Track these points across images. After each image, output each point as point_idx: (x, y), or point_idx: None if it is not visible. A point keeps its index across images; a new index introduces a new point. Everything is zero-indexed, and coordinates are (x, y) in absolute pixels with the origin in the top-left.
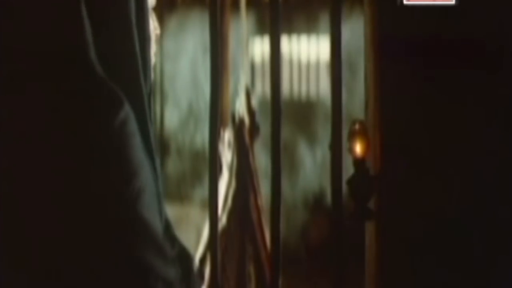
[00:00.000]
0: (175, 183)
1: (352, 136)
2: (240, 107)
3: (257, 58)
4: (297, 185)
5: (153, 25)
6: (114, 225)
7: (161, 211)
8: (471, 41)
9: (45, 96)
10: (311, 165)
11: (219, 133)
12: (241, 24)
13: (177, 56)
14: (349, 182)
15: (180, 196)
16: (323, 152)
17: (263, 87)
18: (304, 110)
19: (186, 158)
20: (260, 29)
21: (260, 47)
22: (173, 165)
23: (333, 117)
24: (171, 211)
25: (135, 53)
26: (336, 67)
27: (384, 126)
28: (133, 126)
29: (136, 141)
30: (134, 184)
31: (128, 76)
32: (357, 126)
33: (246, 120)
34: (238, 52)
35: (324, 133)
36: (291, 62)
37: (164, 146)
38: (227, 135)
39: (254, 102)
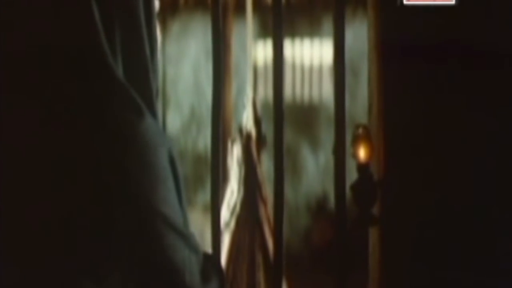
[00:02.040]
0: None
1: (355, 140)
2: (248, 121)
3: (260, 62)
4: (299, 189)
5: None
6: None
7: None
8: (476, 43)
9: (66, 97)
10: (314, 169)
11: (225, 144)
12: (244, 29)
13: (179, 60)
14: (353, 187)
15: None
16: (326, 156)
17: (265, 90)
18: (306, 114)
19: (189, 162)
20: (263, 33)
21: (263, 51)
22: None
23: (336, 121)
24: None
25: (146, 56)
26: (340, 72)
27: (388, 131)
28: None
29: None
30: (160, 191)
31: (139, 80)
32: (360, 131)
33: (253, 133)
34: (241, 57)
35: (327, 137)
36: (293, 65)
37: None
38: (236, 151)
39: (259, 110)
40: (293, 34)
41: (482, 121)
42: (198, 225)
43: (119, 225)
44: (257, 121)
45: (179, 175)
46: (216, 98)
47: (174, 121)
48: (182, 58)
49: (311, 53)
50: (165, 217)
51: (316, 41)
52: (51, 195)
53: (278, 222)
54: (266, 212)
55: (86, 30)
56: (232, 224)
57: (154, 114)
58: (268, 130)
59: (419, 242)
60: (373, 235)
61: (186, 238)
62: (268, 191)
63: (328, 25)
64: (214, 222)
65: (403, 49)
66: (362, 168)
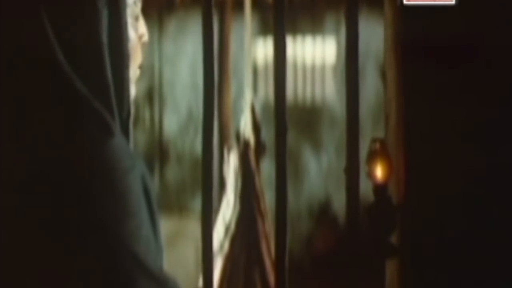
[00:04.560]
0: (175, 191)
1: (371, 157)
2: (246, 127)
3: (260, 60)
4: (301, 193)
5: (140, 31)
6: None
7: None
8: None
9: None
10: (316, 172)
11: (222, 150)
12: (244, 28)
13: (176, 59)
14: (368, 212)
15: (179, 205)
16: (328, 158)
17: (266, 91)
18: (308, 114)
19: (186, 165)
20: (263, 31)
21: (263, 49)
22: (172, 173)
23: (348, 135)
24: (170, 222)
25: (106, 78)
26: (353, 74)
27: (408, 145)
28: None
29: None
30: (133, 221)
31: (96, 94)
32: (377, 146)
33: (252, 140)
34: (240, 56)
35: (329, 139)
36: (295, 64)
37: (163, 153)
38: (232, 159)
39: (259, 115)
40: (294, 32)
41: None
42: (195, 233)
43: (81, 264)
44: (256, 127)
45: (154, 206)
46: (208, 103)
47: (171, 122)
48: (179, 58)
49: (313, 52)
50: (136, 257)
51: (319, 40)
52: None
53: (281, 231)
54: (264, 227)
55: (38, 39)
56: (227, 241)
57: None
58: (269, 132)
59: (442, 276)
60: (390, 268)
61: (163, 283)
62: (268, 199)
63: (330, 22)
64: (205, 236)
65: (426, 51)
66: (379, 189)
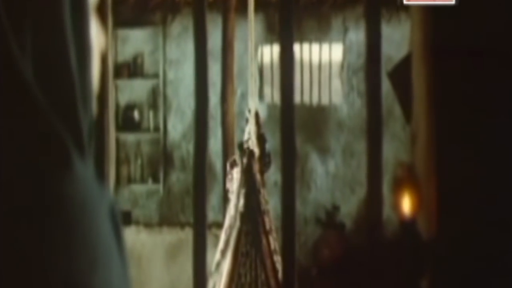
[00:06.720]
0: (179, 196)
1: (397, 186)
2: (250, 139)
3: (267, 62)
4: (307, 199)
5: (100, 38)
6: None
7: None
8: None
9: None
10: (323, 177)
11: (226, 159)
12: (248, 31)
13: (180, 62)
14: (394, 250)
15: (184, 212)
16: (335, 162)
17: (272, 94)
18: (315, 117)
19: (190, 170)
20: (269, 32)
21: (270, 51)
22: (176, 178)
23: (369, 163)
24: (173, 230)
25: (71, 74)
26: (373, 76)
27: (441, 172)
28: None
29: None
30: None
31: (60, 107)
32: (404, 172)
33: (256, 152)
34: (245, 59)
35: (336, 143)
36: (301, 67)
37: (167, 157)
38: (236, 174)
39: (263, 125)
40: (300, 34)
41: None
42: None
43: None
44: (260, 138)
45: (123, 248)
46: (200, 108)
47: (175, 126)
48: (183, 61)
49: (319, 54)
50: None
51: (325, 42)
52: None
53: (289, 242)
54: (269, 247)
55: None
56: (230, 261)
57: (82, 156)
58: (275, 135)
59: None
60: None
61: None
62: (271, 200)
63: (337, 24)
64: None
65: (464, 58)
66: (407, 224)
